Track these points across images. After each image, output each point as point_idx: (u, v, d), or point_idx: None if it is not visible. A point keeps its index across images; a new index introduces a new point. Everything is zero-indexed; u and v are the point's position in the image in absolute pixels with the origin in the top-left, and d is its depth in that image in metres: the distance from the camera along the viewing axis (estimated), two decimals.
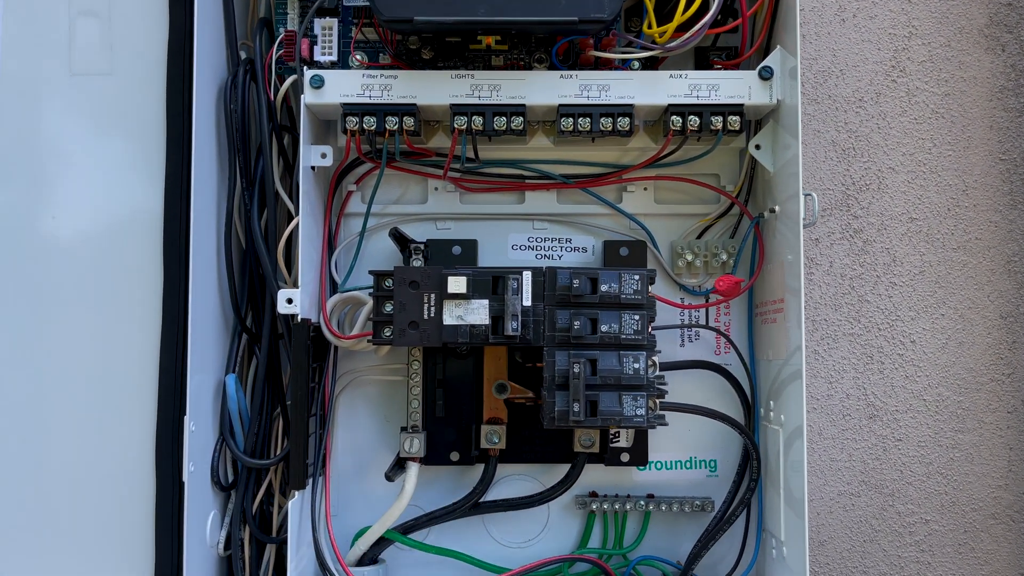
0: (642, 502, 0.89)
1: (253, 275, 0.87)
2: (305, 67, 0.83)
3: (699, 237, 0.92)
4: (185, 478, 0.77)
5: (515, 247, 0.93)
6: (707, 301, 0.92)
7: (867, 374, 0.98)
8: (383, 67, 0.83)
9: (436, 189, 0.93)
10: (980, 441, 0.97)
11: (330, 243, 0.90)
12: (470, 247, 0.90)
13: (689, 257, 0.90)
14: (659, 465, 0.91)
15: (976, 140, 0.98)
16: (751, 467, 0.86)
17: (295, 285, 0.82)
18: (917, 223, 0.98)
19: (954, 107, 0.99)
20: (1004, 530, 0.97)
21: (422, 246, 0.87)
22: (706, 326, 0.92)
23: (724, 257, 0.90)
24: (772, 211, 0.85)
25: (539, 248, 0.93)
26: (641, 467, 0.91)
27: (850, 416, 0.98)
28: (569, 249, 0.93)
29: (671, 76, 0.83)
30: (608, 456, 0.88)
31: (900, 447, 0.97)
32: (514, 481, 0.91)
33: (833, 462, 0.97)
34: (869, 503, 0.97)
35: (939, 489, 0.97)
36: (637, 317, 0.79)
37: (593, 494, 0.91)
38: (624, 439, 0.89)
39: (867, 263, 0.98)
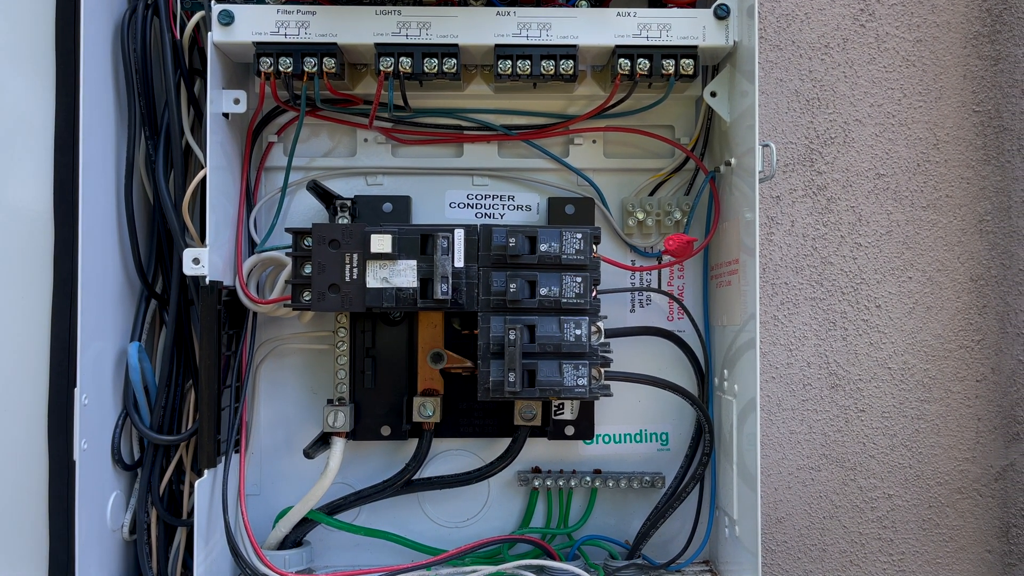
0: (588, 478, 0.83)
1: (162, 235, 0.79)
2: (214, 1, 0.75)
3: (651, 194, 0.85)
4: (77, 456, 0.69)
5: (453, 205, 0.86)
6: (659, 263, 0.86)
7: (829, 341, 0.92)
8: (301, 2, 0.75)
9: (366, 141, 0.85)
10: (947, 411, 0.92)
11: (249, 199, 0.82)
12: (403, 204, 0.83)
13: (640, 216, 0.84)
14: (607, 439, 0.86)
15: (948, 90, 0.92)
16: (704, 440, 0.80)
17: (206, 245, 0.75)
18: (884, 179, 0.92)
19: (926, 54, 0.92)
20: (971, 505, 0.92)
21: (349, 202, 0.80)
22: (657, 290, 0.86)
23: (678, 216, 0.84)
24: (728, 164, 0.78)
25: (479, 206, 0.86)
26: (587, 441, 0.85)
27: (811, 386, 0.92)
28: (512, 207, 0.86)
29: (618, 14, 0.76)
30: (552, 429, 0.83)
31: (863, 418, 0.92)
32: (451, 457, 0.85)
33: (792, 434, 0.92)
34: (829, 477, 0.92)
35: (903, 462, 0.92)
36: (579, 279, 0.73)
37: (536, 470, 0.85)
38: (569, 411, 0.83)
39: (831, 222, 0.92)
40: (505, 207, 0.86)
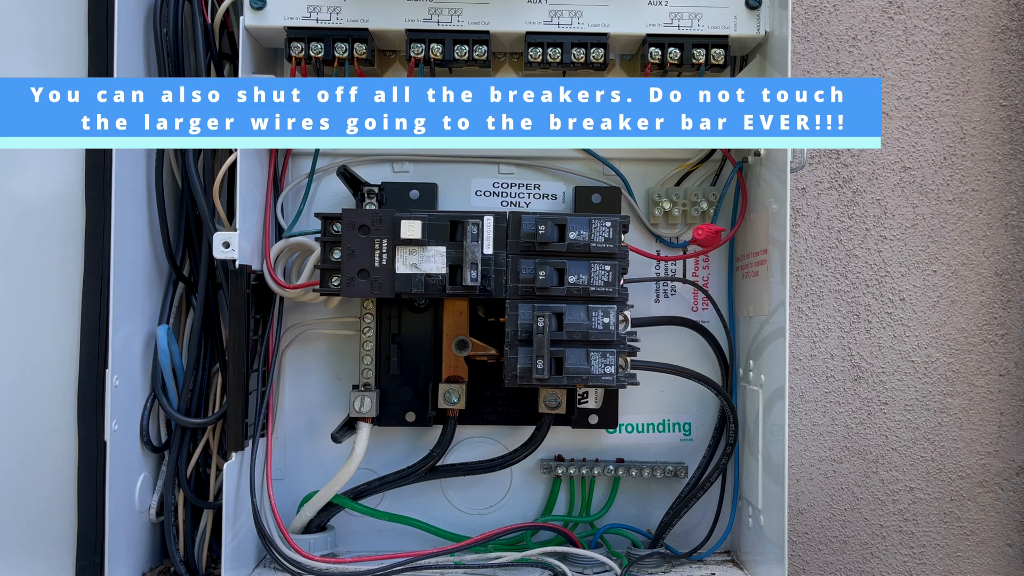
0: (611, 467, 0.83)
1: (190, 219, 0.80)
2: None
3: (678, 184, 0.85)
4: (108, 437, 0.70)
5: (479, 193, 0.86)
6: (684, 253, 0.86)
7: (853, 333, 0.92)
8: None
9: None
10: (970, 405, 0.92)
11: (276, 184, 0.82)
12: (429, 191, 0.83)
13: (667, 206, 0.84)
14: (630, 428, 0.86)
15: (976, 84, 0.92)
16: (728, 431, 0.81)
17: (235, 230, 0.75)
18: (910, 172, 0.92)
19: (954, 48, 0.92)
20: (992, 499, 0.92)
21: (376, 189, 0.80)
22: (683, 280, 0.86)
23: (704, 206, 0.84)
24: (757, 155, 0.78)
25: (505, 194, 0.86)
26: (611, 430, 0.85)
27: (834, 378, 0.92)
28: (537, 195, 0.86)
29: (650, 3, 0.76)
30: (576, 418, 0.83)
31: (886, 411, 0.92)
32: (475, 444, 0.85)
33: (815, 426, 0.92)
34: (852, 470, 0.92)
35: (925, 455, 0.92)
36: (608, 268, 0.73)
37: (559, 458, 0.85)
38: (593, 400, 0.83)
39: (856, 215, 0.92)
40: (531, 196, 0.86)
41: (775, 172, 0.75)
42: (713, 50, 0.76)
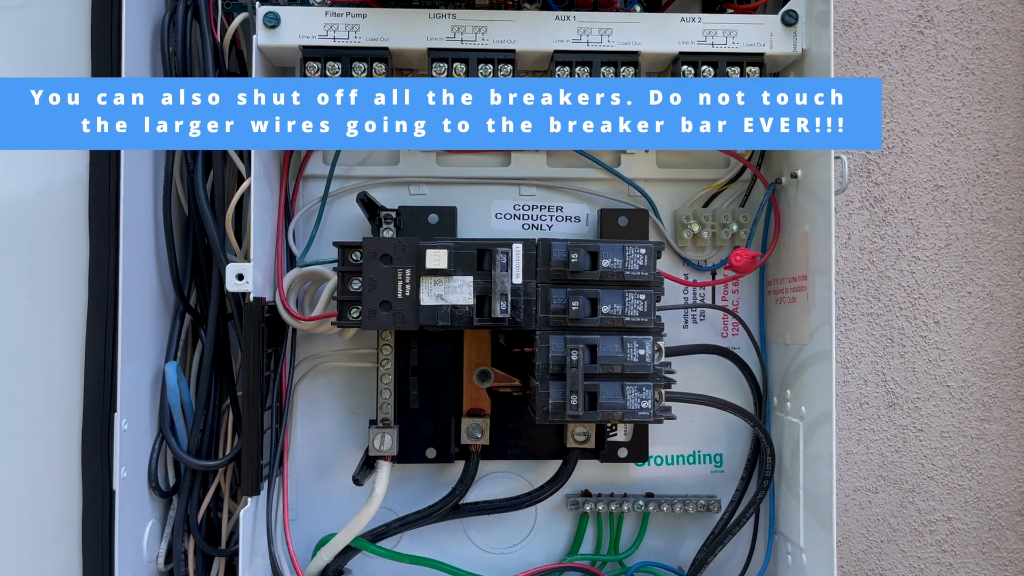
0: (640, 502, 0.80)
1: (198, 248, 0.75)
2: (258, 2, 0.72)
3: (706, 206, 0.82)
4: (116, 485, 0.65)
5: (499, 216, 0.82)
6: (714, 278, 0.82)
7: (887, 358, 0.89)
8: (350, 4, 0.71)
9: (410, 149, 0.81)
10: (1008, 431, 0.89)
11: (287, 210, 0.78)
12: (448, 215, 0.79)
13: (695, 228, 0.81)
14: (659, 460, 0.82)
15: (1009, 99, 0.89)
16: (763, 462, 0.77)
17: (246, 259, 0.71)
18: (943, 191, 0.89)
19: (985, 62, 0.89)
20: None
21: (394, 214, 0.76)
22: (714, 306, 0.82)
23: (734, 228, 0.81)
24: (794, 176, 0.75)
25: (527, 217, 0.82)
26: (640, 463, 0.82)
27: (867, 404, 0.89)
28: (560, 218, 0.82)
29: (682, 20, 0.72)
30: (604, 451, 0.79)
31: (921, 438, 0.89)
32: (498, 480, 0.82)
33: (849, 455, 0.89)
34: (887, 500, 0.89)
35: (963, 484, 0.89)
36: (643, 297, 0.69)
37: (586, 493, 0.81)
38: (622, 433, 0.80)
39: (888, 235, 0.89)
40: (553, 218, 0.82)
41: (809, 196, 0.72)
42: (748, 68, 0.73)
